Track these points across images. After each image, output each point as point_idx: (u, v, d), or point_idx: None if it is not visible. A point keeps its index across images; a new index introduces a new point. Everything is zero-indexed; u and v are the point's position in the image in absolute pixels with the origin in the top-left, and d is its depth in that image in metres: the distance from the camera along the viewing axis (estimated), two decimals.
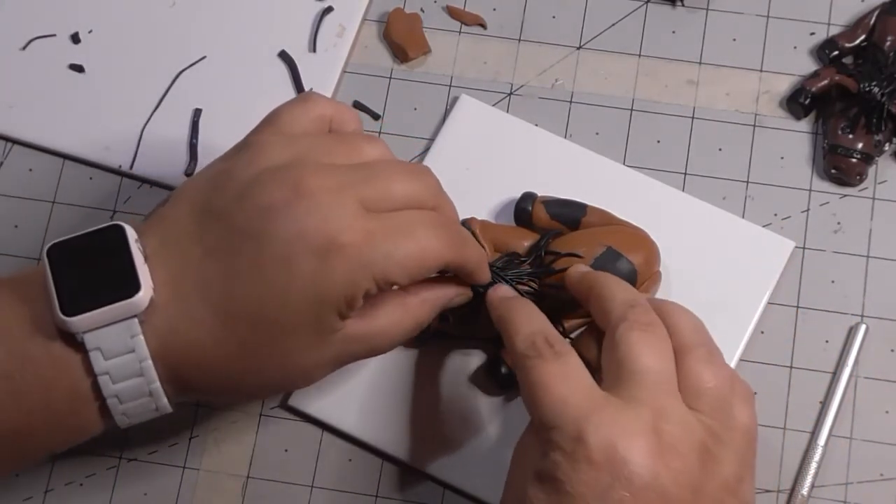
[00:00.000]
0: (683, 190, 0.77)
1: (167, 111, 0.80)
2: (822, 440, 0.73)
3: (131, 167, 0.79)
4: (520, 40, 0.81)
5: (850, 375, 0.74)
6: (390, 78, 0.81)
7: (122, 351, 0.62)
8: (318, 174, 0.63)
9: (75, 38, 0.81)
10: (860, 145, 0.76)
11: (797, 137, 0.79)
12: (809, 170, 0.78)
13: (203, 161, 0.78)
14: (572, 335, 0.73)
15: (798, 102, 0.78)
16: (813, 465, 0.72)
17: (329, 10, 0.81)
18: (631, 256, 0.72)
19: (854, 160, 0.76)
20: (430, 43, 0.81)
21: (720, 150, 0.78)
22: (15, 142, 0.80)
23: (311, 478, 0.74)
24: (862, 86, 0.77)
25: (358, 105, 0.80)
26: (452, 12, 0.82)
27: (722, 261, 0.75)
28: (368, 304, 0.65)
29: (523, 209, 0.75)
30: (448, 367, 0.74)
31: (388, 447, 0.73)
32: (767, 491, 0.72)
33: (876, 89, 0.76)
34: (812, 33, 0.80)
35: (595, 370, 0.72)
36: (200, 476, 0.74)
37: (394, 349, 0.68)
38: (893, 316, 0.75)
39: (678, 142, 0.79)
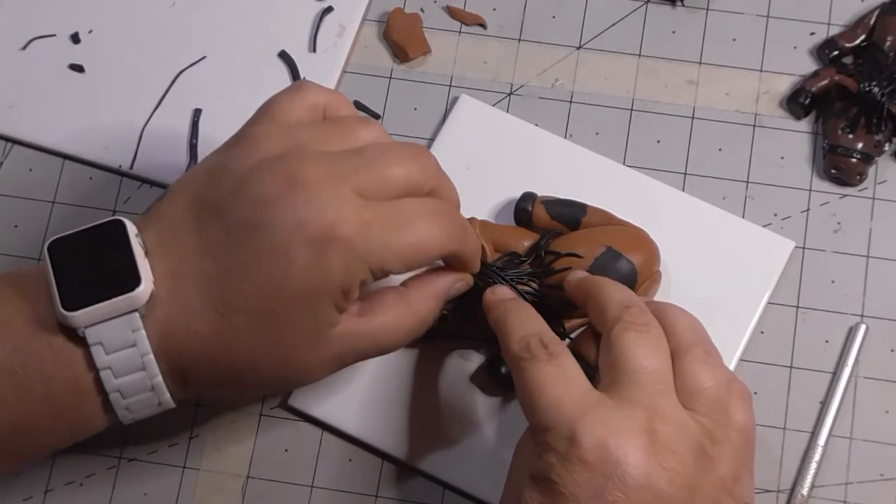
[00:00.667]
0: (683, 190, 0.78)
1: (167, 111, 0.80)
2: (822, 440, 0.73)
3: (131, 167, 0.79)
4: (520, 40, 0.81)
5: (850, 375, 0.74)
6: (390, 78, 0.81)
7: (124, 345, 0.62)
8: (314, 163, 0.63)
9: (75, 38, 0.81)
10: (860, 145, 0.76)
11: (797, 137, 0.79)
12: (809, 170, 0.78)
13: None
14: (572, 335, 0.73)
15: (798, 102, 0.78)
16: (813, 465, 0.72)
17: (329, 10, 0.81)
18: (631, 256, 0.72)
19: (854, 160, 0.76)
20: (430, 43, 0.81)
21: (720, 150, 0.78)
22: (15, 142, 0.80)
23: (311, 478, 0.74)
24: (862, 86, 0.77)
25: (358, 105, 0.80)
26: (452, 12, 0.82)
27: (722, 261, 0.75)
28: (368, 300, 0.65)
29: (523, 209, 0.75)
30: (448, 367, 0.74)
31: (388, 447, 0.73)
32: (767, 491, 0.72)
33: (876, 89, 0.76)
34: (812, 33, 0.80)
35: (594, 371, 0.72)
36: (200, 476, 0.74)
37: (399, 349, 0.68)
38: (893, 316, 0.75)
39: (678, 142, 0.79)
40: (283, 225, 0.62)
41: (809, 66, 0.80)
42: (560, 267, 0.72)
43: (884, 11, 0.79)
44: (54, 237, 0.63)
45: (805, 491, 0.72)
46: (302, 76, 0.80)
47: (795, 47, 0.80)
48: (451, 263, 0.68)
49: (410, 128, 0.79)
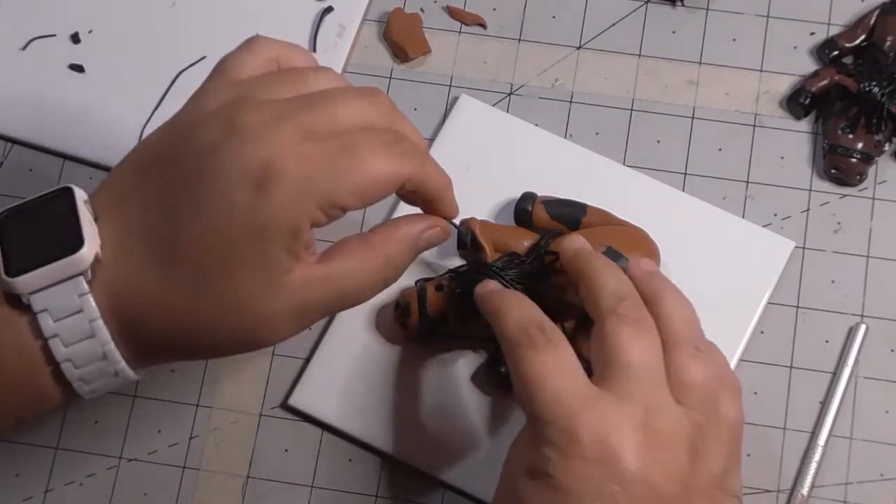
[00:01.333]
0: (683, 190, 0.78)
1: (167, 111, 0.79)
2: (822, 440, 0.73)
3: None
4: (520, 40, 0.81)
5: (850, 375, 0.74)
6: (390, 78, 0.81)
7: (71, 311, 0.60)
8: (255, 109, 0.61)
9: (75, 38, 0.81)
10: (860, 145, 0.76)
11: (797, 137, 0.79)
12: (809, 170, 0.78)
13: None
14: (572, 335, 0.73)
15: (798, 102, 0.78)
16: (813, 465, 0.72)
17: (329, 10, 0.81)
18: (631, 256, 0.72)
19: (854, 160, 0.76)
20: (430, 43, 0.81)
21: (720, 150, 0.78)
22: (15, 142, 0.80)
23: (311, 478, 0.74)
24: (862, 86, 0.77)
25: None
26: (452, 12, 0.82)
27: (722, 261, 0.75)
28: (331, 248, 0.63)
29: (523, 209, 0.75)
30: (448, 367, 0.74)
31: (388, 447, 0.73)
32: (767, 491, 0.72)
33: (876, 89, 0.76)
34: (812, 33, 0.80)
35: (585, 359, 0.73)
36: (200, 476, 0.74)
37: (369, 300, 0.65)
38: (893, 316, 0.75)
39: (678, 142, 0.79)
40: (222, 168, 0.60)
41: (809, 66, 0.80)
42: (560, 267, 0.72)
43: (884, 11, 0.79)
44: (5, 207, 0.62)
45: (805, 491, 0.72)
46: None
47: (795, 47, 0.80)
48: (421, 201, 0.66)
49: None
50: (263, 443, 0.74)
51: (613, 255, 0.72)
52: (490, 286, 0.69)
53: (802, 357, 0.74)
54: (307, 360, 0.75)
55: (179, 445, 0.75)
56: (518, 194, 0.76)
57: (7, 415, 0.63)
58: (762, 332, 0.75)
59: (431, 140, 0.79)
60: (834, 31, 0.80)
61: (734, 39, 0.80)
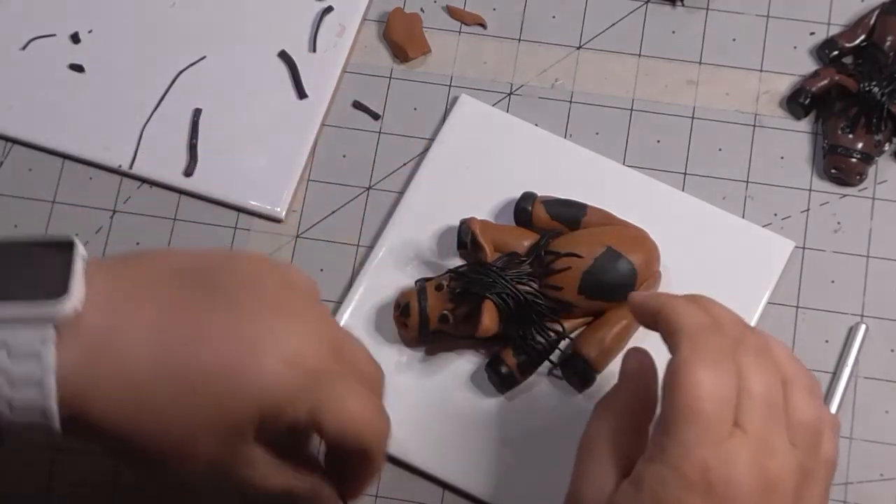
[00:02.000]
0: (683, 190, 0.77)
1: (167, 111, 0.80)
2: None
3: (131, 167, 0.79)
4: (520, 40, 0.81)
5: (850, 375, 0.74)
6: (390, 78, 0.81)
7: (28, 353, 0.58)
8: (297, 287, 0.63)
9: (75, 38, 0.81)
10: (860, 145, 0.76)
11: (797, 137, 0.79)
12: (809, 170, 0.78)
13: (202, 161, 0.78)
14: (572, 335, 0.73)
15: (798, 102, 0.78)
16: None
17: (329, 10, 0.81)
18: (631, 256, 0.72)
19: (854, 160, 0.76)
20: (430, 43, 0.81)
21: (720, 150, 0.78)
22: (15, 142, 0.80)
23: None
24: (862, 86, 0.77)
25: (358, 105, 0.80)
26: (452, 12, 0.82)
27: (722, 261, 0.75)
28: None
29: (523, 209, 0.75)
30: (448, 367, 0.74)
31: (387, 447, 0.73)
32: None
33: (876, 89, 0.76)
34: (812, 33, 0.80)
35: (593, 372, 0.72)
36: None
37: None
38: (893, 316, 0.75)
39: (678, 142, 0.79)
40: (264, 319, 0.61)
41: (809, 66, 0.80)
42: (560, 267, 0.72)
43: (884, 11, 0.79)
44: (5, 236, 0.61)
45: None
46: (302, 76, 0.80)
47: (795, 47, 0.80)
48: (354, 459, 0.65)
49: (410, 128, 0.79)
50: None
51: (613, 255, 0.72)
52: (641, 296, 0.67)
53: (802, 357, 0.74)
54: None
55: None
56: (518, 194, 0.76)
57: None
58: None
59: (431, 140, 0.79)
60: (834, 31, 0.80)
61: (734, 39, 0.80)
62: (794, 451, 0.61)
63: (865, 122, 0.76)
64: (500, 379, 0.73)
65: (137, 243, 0.78)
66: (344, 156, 0.79)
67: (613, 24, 0.81)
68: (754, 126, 0.79)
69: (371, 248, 0.77)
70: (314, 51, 0.81)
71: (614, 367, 0.68)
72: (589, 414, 0.66)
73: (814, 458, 0.62)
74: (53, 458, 0.74)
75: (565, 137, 0.79)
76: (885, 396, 0.74)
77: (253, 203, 0.78)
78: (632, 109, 0.79)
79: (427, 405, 0.74)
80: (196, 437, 0.60)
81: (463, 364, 0.74)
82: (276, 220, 0.78)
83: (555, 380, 0.74)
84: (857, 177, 0.77)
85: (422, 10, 0.82)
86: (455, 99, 0.79)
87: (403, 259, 0.76)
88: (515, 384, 0.73)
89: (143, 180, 0.79)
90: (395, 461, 0.73)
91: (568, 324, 0.73)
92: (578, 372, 0.73)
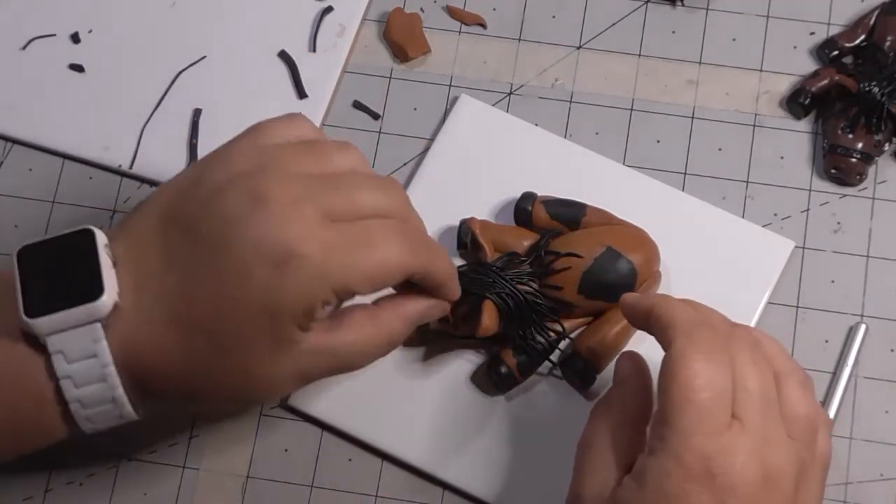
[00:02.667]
0: (683, 190, 0.77)
1: (167, 111, 0.80)
2: None
3: (131, 167, 0.79)
4: (520, 40, 0.81)
5: (850, 375, 0.74)
6: (390, 78, 0.81)
7: (85, 355, 0.62)
8: (281, 183, 0.62)
9: (75, 38, 0.81)
10: (860, 145, 0.76)
11: (797, 137, 0.79)
12: (809, 170, 0.78)
13: None
14: (572, 335, 0.73)
15: (798, 102, 0.78)
16: None
17: (329, 10, 0.81)
18: (631, 256, 0.72)
19: (854, 160, 0.76)
20: (430, 43, 0.81)
21: (720, 150, 0.78)
22: (15, 142, 0.80)
23: (311, 478, 0.74)
24: (862, 86, 0.77)
25: (358, 105, 0.80)
26: (452, 12, 0.82)
27: (722, 261, 0.75)
28: (337, 317, 0.65)
29: (523, 209, 0.75)
30: (448, 367, 0.74)
31: (388, 447, 0.73)
32: None
33: (876, 89, 0.76)
34: (812, 33, 0.80)
35: (594, 370, 0.72)
36: (200, 476, 0.74)
37: (374, 361, 0.67)
38: (893, 316, 0.75)
39: (678, 142, 0.79)
40: (244, 243, 0.61)
41: (809, 66, 0.80)
42: (560, 267, 0.72)
43: (884, 11, 0.79)
44: (24, 243, 0.63)
45: None
46: (302, 76, 0.80)
47: (795, 47, 0.80)
48: (425, 287, 0.67)
49: (410, 128, 0.79)
50: (263, 443, 0.74)
51: (613, 255, 0.72)
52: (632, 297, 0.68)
53: (802, 357, 0.74)
54: None
55: (179, 445, 0.74)
56: (518, 194, 0.76)
57: (10, 448, 0.65)
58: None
59: (431, 140, 0.79)
60: (834, 31, 0.80)
61: (734, 39, 0.80)
62: (792, 443, 0.62)
63: (865, 122, 0.76)
64: (500, 379, 0.73)
65: None
66: None
67: (613, 24, 0.81)
68: (754, 126, 0.79)
69: None
70: (314, 51, 0.81)
71: (614, 366, 0.68)
72: (588, 414, 0.66)
73: (811, 452, 0.62)
74: (54, 458, 0.74)
75: (565, 137, 0.79)
76: (885, 396, 0.74)
77: None
78: (632, 109, 0.79)
79: (427, 405, 0.74)
80: (259, 367, 0.63)
81: (463, 364, 0.74)
82: None
83: (555, 380, 0.74)
84: (857, 177, 0.77)
85: (422, 10, 0.82)
86: (455, 99, 0.79)
87: None
88: (515, 384, 0.73)
89: (143, 180, 0.79)
90: (395, 461, 0.73)
91: (568, 324, 0.73)
92: (578, 372, 0.73)
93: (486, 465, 0.72)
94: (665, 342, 0.62)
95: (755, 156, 0.78)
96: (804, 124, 0.79)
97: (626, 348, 0.72)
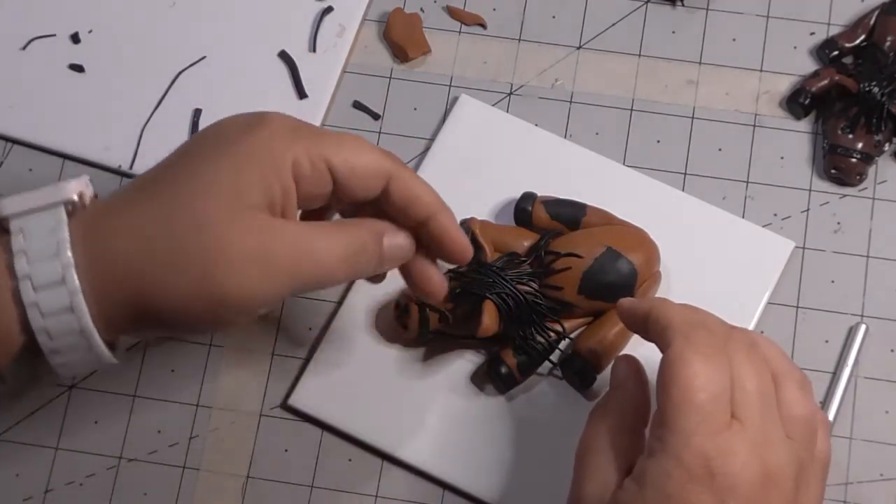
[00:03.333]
0: (683, 190, 0.78)
1: (167, 111, 0.80)
2: None
3: (131, 167, 0.79)
4: (520, 40, 0.81)
5: (850, 375, 0.74)
6: (390, 78, 0.81)
7: (46, 232, 0.59)
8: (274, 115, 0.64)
9: (75, 38, 0.81)
10: (860, 145, 0.76)
11: (797, 137, 0.79)
12: (809, 170, 0.78)
13: None
14: (572, 335, 0.73)
15: (798, 102, 0.78)
16: None
17: (329, 10, 0.81)
18: (631, 256, 0.72)
19: (854, 160, 0.76)
20: (430, 43, 0.81)
21: (720, 150, 0.78)
22: (15, 142, 0.80)
23: (311, 478, 0.74)
24: (862, 86, 0.77)
25: (358, 105, 0.80)
26: (452, 12, 0.82)
27: (722, 261, 0.75)
28: (307, 222, 0.64)
29: (523, 209, 0.75)
30: (448, 367, 0.74)
31: (388, 447, 0.73)
32: None
33: (876, 89, 0.76)
34: (812, 33, 0.80)
35: (594, 370, 0.72)
36: (200, 476, 0.74)
37: (336, 285, 0.66)
38: (893, 316, 0.75)
39: (678, 142, 0.79)
40: (223, 124, 0.63)
41: (809, 66, 0.80)
42: (560, 267, 0.72)
43: (884, 11, 0.79)
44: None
45: None
46: (302, 76, 0.80)
47: (795, 47, 0.80)
48: (411, 215, 0.65)
49: (410, 128, 0.79)
50: (263, 443, 0.74)
51: (613, 255, 0.72)
52: (628, 302, 0.68)
53: (802, 357, 0.74)
54: (307, 360, 0.75)
55: (179, 445, 0.75)
56: (518, 194, 0.76)
57: None
58: (762, 332, 0.74)
59: (431, 140, 0.79)
60: (834, 31, 0.80)
61: (734, 39, 0.80)
62: (791, 444, 0.62)
63: (865, 122, 0.76)
64: (500, 379, 0.73)
65: None
66: None
67: (613, 24, 0.81)
68: (754, 126, 0.79)
69: None
70: (314, 51, 0.81)
71: (611, 370, 0.68)
72: (588, 416, 0.66)
73: (810, 453, 0.63)
74: (54, 458, 0.74)
75: (565, 137, 0.79)
76: (885, 396, 0.74)
77: None
78: (632, 109, 0.79)
79: (427, 405, 0.74)
80: (223, 215, 0.60)
81: (463, 364, 0.74)
82: None
83: (555, 380, 0.74)
84: (857, 177, 0.77)
85: (422, 10, 0.82)
86: (455, 99, 0.79)
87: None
88: (515, 384, 0.73)
89: None
90: (395, 461, 0.73)
91: (568, 324, 0.73)
92: (578, 372, 0.73)
93: (486, 466, 0.72)
94: (663, 344, 0.62)
95: (755, 156, 0.78)
96: (804, 124, 0.79)
97: (626, 349, 0.72)
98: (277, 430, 0.75)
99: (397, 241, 0.65)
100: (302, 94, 0.80)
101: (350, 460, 0.74)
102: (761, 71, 0.80)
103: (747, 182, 0.78)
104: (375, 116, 0.80)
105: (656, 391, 0.62)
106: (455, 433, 0.73)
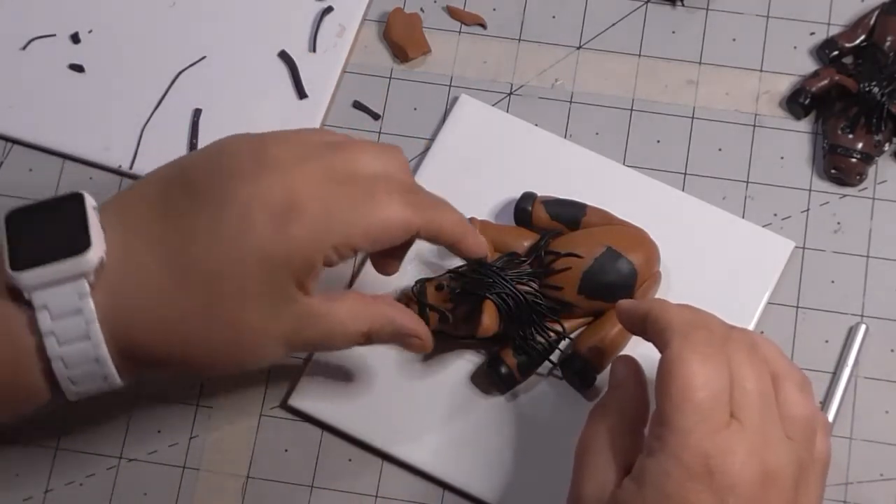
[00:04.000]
0: (683, 190, 0.78)
1: (167, 111, 0.80)
2: None
3: (131, 167, 0.79)
4: (520, 40, 0.81)
5: (850, 375, 0.74)
6: (390, 78, 0.81)
7: (70, 312, 0.61)
8: (284, 143, 0.64)
9: (75, 38, 0.81)
10: (860, 145, 0.76)
11: (797, 137, 0.79)
12: (809, 170, 0.78)
13: None
14: (572, 335, 0.73)
15: (798, 102, 0.78)
16: None
17: (329, 10, 0.81)
18: (631, 256, 0.72)
19: (854, 160, 0.76)
20: (430, 43, 0.81)
21: (720, 150, 0.78)
22: (15, 142, 0.80)
23: (311, 478, 0.74)
24: (862, 86, 0.77)
25: (358, 105, 0.80)
26: (452, 12, 0.82)
27: (722, 261, 0.75)
28: (331, 294, 0.65)
29: (523, 209, 0.75)
30: (448, 367, 0.74)
31: (388, 447, 0.73)
32: None
33: (876, 89, 0.76)
34: (812, 33, 0.80)
35: (594, 370, 0.72)
36: (200, 476, 0.74)
37: (349, 346, 0.68)
38: (893, 316, 0.75)
39: (678, 142, 0.79)
40: (247, 195, 0.62)
41: (809, 66, 0.80)
42: (560, 267, 0.72)
43: (884, 11, 0.79)
44: (14, 207, 0.64)
45: None
46: (302, 76, 0.80)
47: (795, 47, 0.80)
48: (440, 244, 0.67)
49: (410, 128, 0.79)
50: (263, 443, 0.74)
51: (613, 255, 0.72)
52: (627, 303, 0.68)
53: (802, 357, 0.74)
54: (307, 360, 0.75)
55: (179, 445, 0.75)
56: (518, 194, 0.76)
57: None
58: (762, 332, 0.74)
59: (431, 140, 0.79)
60: (834, 31, 0.80)
61: (734, 39, 0.80)
62: (791, 444, 0.62)
63: (865, 122, 0.76)
64: (500, 379, 0.73)
65: None
66: None
67: (613, 24, 0.81)
68: (754, 126, 0.79)
69: None
70: (314, 51, 0.81)
71: (610, 370, 0.68)
72: (587, 416, 0.66)
73: (809, 453, 0.63)
74: (54, 457, 0.74)
75: (565, 137, 0.79)
76: (885, 396, 0.74)
77: None
78: (632, 109, 0.79)
79: (427, 405, 0.74)
80: (263, 321, 0.63)
81: (463, 364, 0.74)
82: None
83: (555, 380, 0.74)
84: (857, 177, 0.77)
85: (422, 10, 0.82)
86: (455, 99, 0.79)
87: (404, 259, 0.76)
88: (515, 384, 0.73)
89: None
90: (395, 461, 0.73)
91: (568, 324, 0.73)
92: (578, 372, 0.73)
93: (486, 465, 0.72)
94: (662, 344, 0.62)
95: (755, 156, 0.78)
96: (804, 124, 0.79)
97: (626, 349, 0.72)
98: (277, 430, 0.75)
99: (409, 328, 0.69)
100: (302, 94, 0.80)
101: (350, 460, 0.74)
102: (761, 71, 0.80)
103: (747, 182, 0.78)
104: (375, 116, 0.80)
105: (655, 391, 0.62)
106: (455, 433, 0.73)
